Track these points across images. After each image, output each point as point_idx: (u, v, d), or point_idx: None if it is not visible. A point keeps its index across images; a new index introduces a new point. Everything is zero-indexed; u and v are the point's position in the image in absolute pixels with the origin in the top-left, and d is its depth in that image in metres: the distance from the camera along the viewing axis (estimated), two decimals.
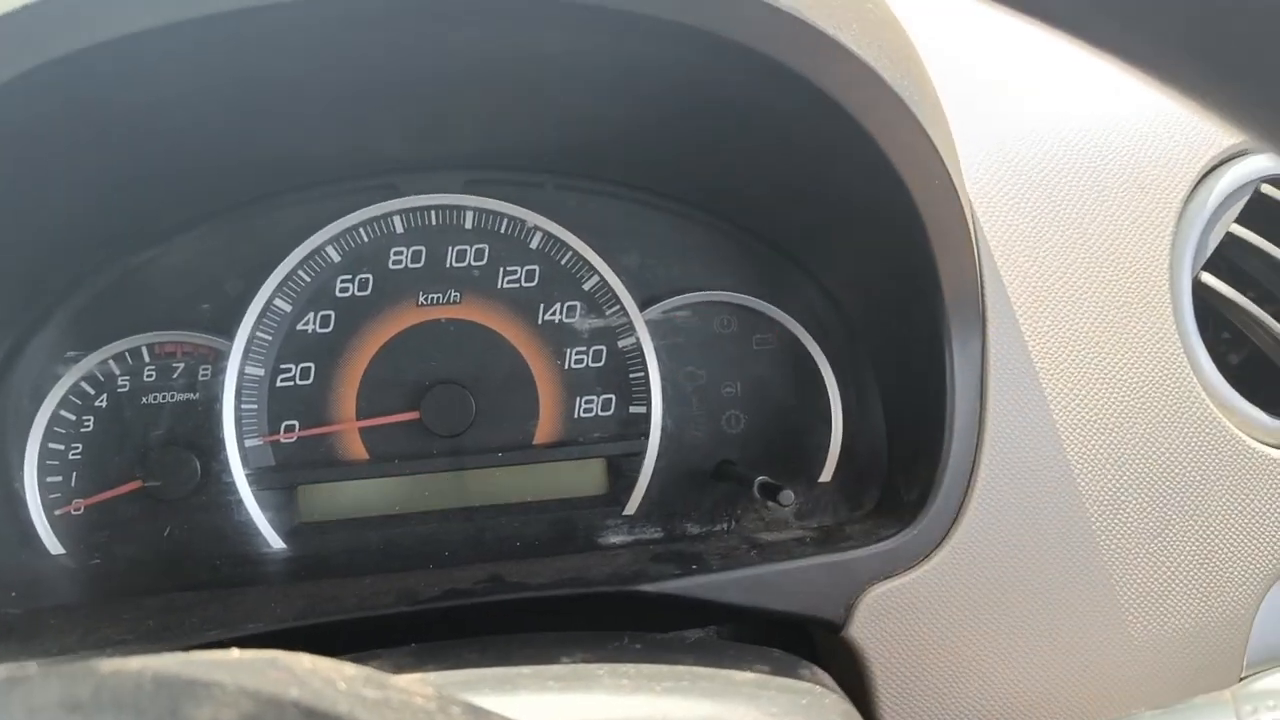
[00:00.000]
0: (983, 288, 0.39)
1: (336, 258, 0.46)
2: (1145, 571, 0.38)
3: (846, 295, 0.46)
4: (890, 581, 0.37)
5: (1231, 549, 0.39)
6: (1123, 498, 0.39)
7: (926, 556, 0.38)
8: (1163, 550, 0.38)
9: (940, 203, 0.37)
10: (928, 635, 0.37)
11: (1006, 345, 0.39)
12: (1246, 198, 0.43)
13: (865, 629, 0.37)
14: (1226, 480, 0.40)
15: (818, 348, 0.47)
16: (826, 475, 0.47)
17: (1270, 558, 0.39)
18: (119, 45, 0.29)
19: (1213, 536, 0.37)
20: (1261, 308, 0.44)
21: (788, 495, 0.41)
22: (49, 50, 0.29)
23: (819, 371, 0.47)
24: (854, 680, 0.37)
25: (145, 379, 0.45)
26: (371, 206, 0.46)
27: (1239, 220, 0.43)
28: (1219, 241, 0.43)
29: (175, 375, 0.45)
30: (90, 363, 0.44)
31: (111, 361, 0.44)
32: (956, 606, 0.38)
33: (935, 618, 0.37)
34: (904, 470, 0.42)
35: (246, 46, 0.34)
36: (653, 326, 0.47)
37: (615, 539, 0.44)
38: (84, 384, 0.44)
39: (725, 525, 0.44)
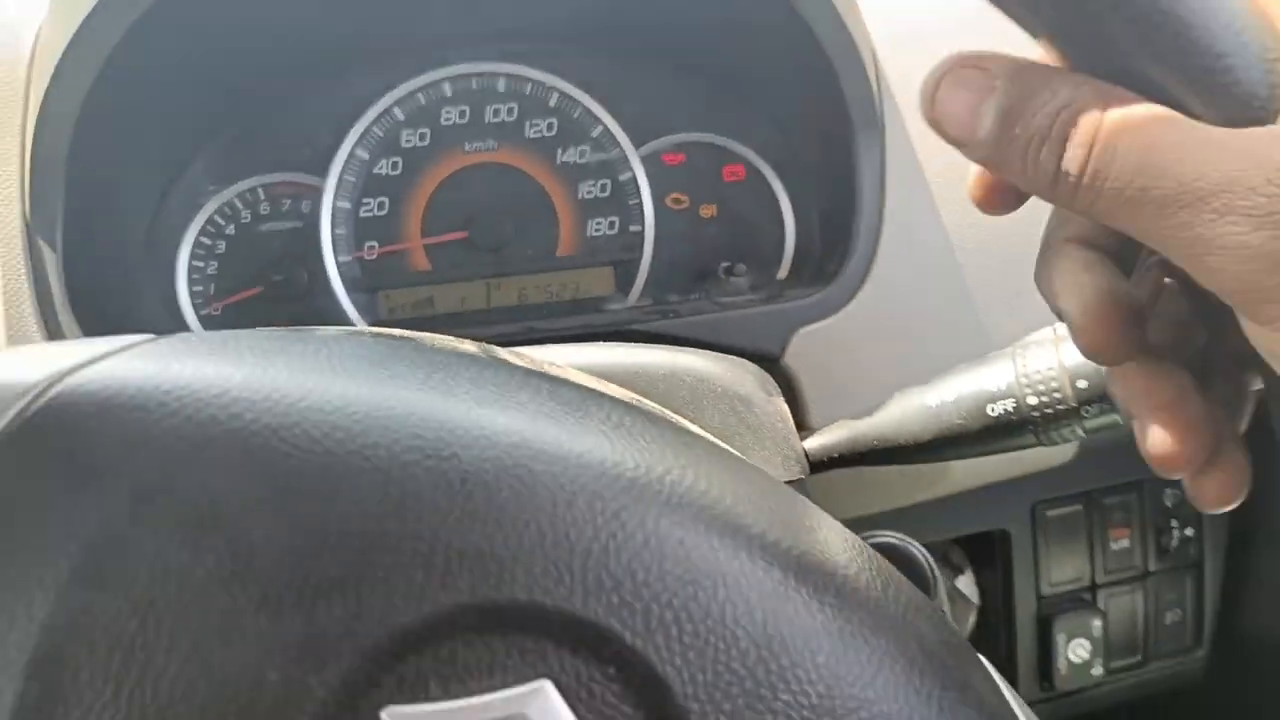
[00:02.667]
0: (882, 114, 0.52)
1: (401, 116, 0.60)
2: (1008, 317, 0.51)
3: (792, 129, 0.59)
4: (813, 325, 0.51)
5: None
6: (993, 272, 0.53)
7: (840, 308, 0.51)
8: (1020, 302, 0.52)
9: (847, 53, 0.51)
10: (842, 363, 0.51)
11: (900, 153, 0.52)
12: None
13: (795, 359, 0.51)
14: None
15: (773, 173, 0.61)
16: (783, 273, 0.61)
17: None
18: None
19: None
20: None
21: (740, 268, 0.56)
22: None
23: (774, 193, 0.61)
24: (790, 401, 0.52)
25: (261, 211, 0.59)
26: (426, 74, 0.59)
27: None
28: None
29: (284, 209, 0.59)
30: (222, 198, 0.58)
31: (236, 198, 0.59)
32: (863, 343, 0.51)
33: (848, 351, 0.51)
34: (828, 252, 0.56)
35: None
36: (645, 162, 0.61)
37: (620, 313, 0.59)
38: (216, 216, 0.59)
39: (697, 297, 0.58)
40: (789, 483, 0.41)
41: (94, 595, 0.20)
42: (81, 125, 0.45)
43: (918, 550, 0.47)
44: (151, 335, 0.24)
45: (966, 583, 0.66)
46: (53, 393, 0.22)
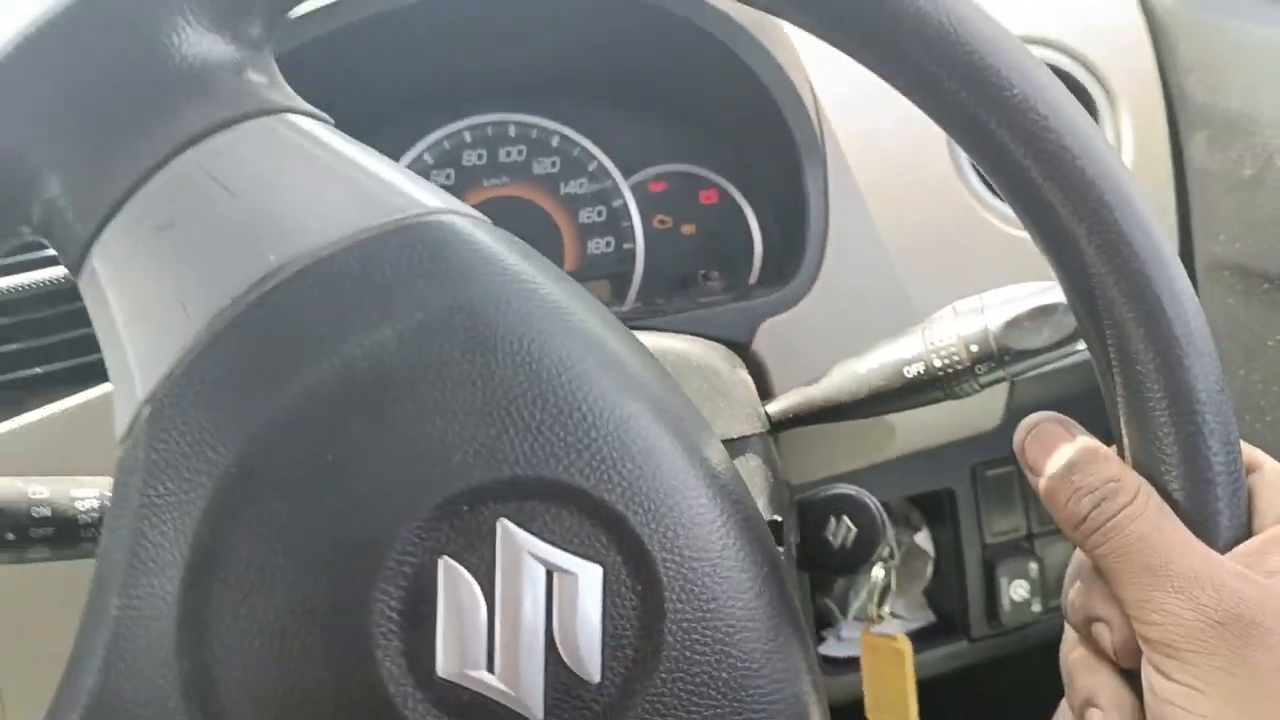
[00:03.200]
0: (823, 143, 0.64)
1: (430, 160, 0.71)
2: (932, 305, 0.62)
3: (753, 158, 0.71)
4: (775, 317, 0.62)
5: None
6: (921, 269, 0.64)
7: (797, 302, 0.62)
8: (940, 293, 0.63)
9: (788, 94, 0.62)
10: (800, 346, 0.61)
11: (840, 174, 0.64)
12: None
13: (762, 345, 0.61)
14: (987, 254, 0.65)
15: (741, 196, 0.72)
16: (754, 279, 0.72)
17: None
18: None
19: (982, 288, 0.52)
20: None
21: (715, 274, 0.67)
22: None
23: (743, 212, 0.73)
24: (759, 378, 0.63)
25: None
26: (449, 125, 0.71)
27: None
28: None
29: None
30: None
31: None
32: (817, 329, 0.62)
33: (805, 337, 0.61)
34: (786, 258, 0.67)
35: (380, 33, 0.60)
36: (634, 190, 0.72)
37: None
38: None
39: (681, 300, 0.70)
40: (754, 435, 0.53)
41: (389, 342, 0.30)
42: None
43: (868, 499, 0.58)
44: (485, 219, 0.34)
45: (923, 538, 0.77)
46: (438, 217, 0.32)
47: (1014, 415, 0.69)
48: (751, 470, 0.51)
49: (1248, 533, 0.33)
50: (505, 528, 0.30)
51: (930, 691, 0.73)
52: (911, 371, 0.50)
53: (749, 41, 0.61)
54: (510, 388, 0.30)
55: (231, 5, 0.33)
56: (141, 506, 0.29)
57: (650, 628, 0.31)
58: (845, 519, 0.59)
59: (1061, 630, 0.38)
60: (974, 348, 0.49)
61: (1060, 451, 0.34)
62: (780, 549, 0.43)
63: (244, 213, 0.31)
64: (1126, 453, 0.34)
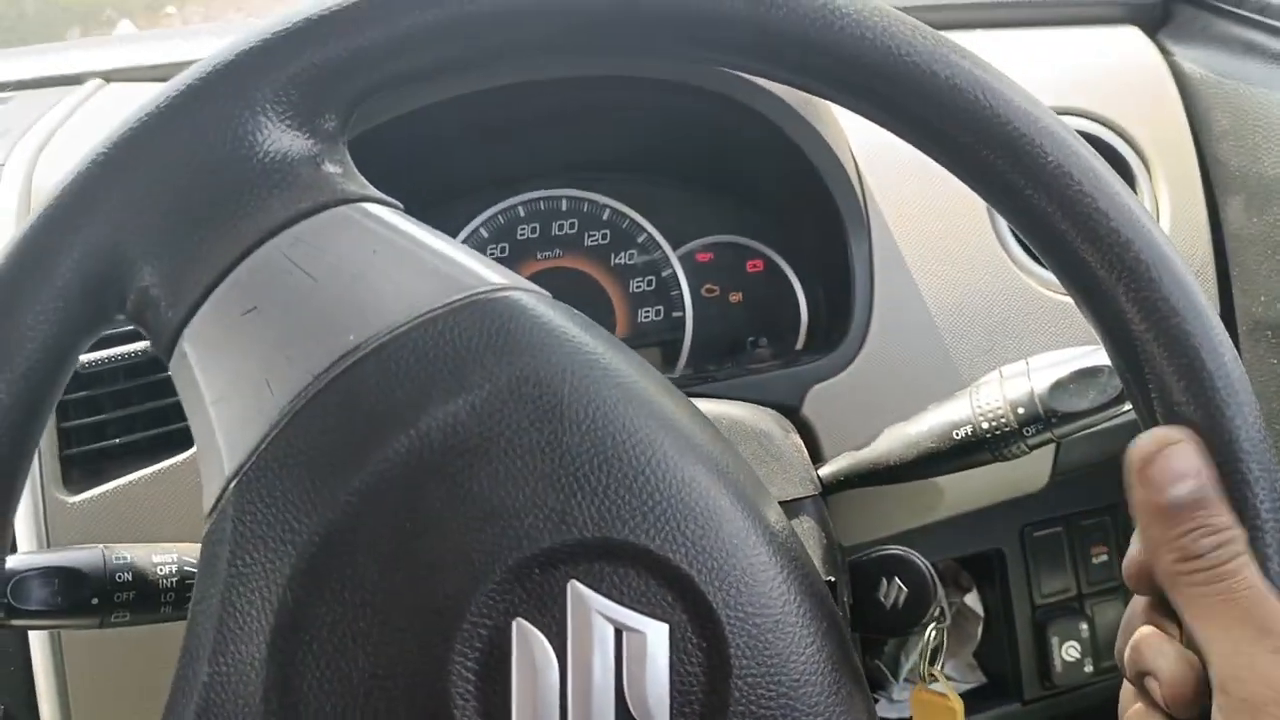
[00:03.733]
0: (868, 214, 0.66)
1: (486, 234, 0.74)
2: (978, 369, 0.64)
3: (798, 228, 0.73)
4: (824, 382, 0.64)
5: None
6: (965, 334, 0.66)
7: (844, 368, 0.64)
8: (986, 357, 0.64)
9: (833, 168, 0.65)
10: (848, 410, 0.63)
11: (884, 244, 0.66)
12: None
13: (811, 410, 0.63)
14: (1030, 318, 0.67)
15: (786, 265, 0.74)
16: (800, 344, 0.74)
17: None
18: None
19: (1026, 352, 0.54)
20: None
21: (763, 341, 0.69)
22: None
23: (789, 280, 0.75)
24: (809, 441, 0.64)
25: None
26: (504, 200, 0.74)
27: None
28: None
29: None
30: None
31: None
32: (865, 394, 0.63)
33: (853, 401, 0.63)
34: (833, 326, 0.69)
35: (443, 121, 0.63)
36: (682, 261, 0.75)
37: None
38: None
39: (730, 366, 0.72)
40: (807, 498, 0.54)
41: (463, 413, 0.32)
42: None
43: (919, 559, 0.59)
44: (547, 294, 0.36)
45: (973, 599, 0.78)
46: (506, 294, 0.34)
47: (1060, 477, 0.70)
48: (806, 532, 0.53)
49: None
50: (575, 589, 0.32)
51: None
52: (960, 434, 0.52)
53: (794, 117, 0.63)
54: (577, 454, 0.32)
55: (309, 104, 0.35)
56: (230, 577, 0.31)
57: (717, 684, 0.32)
58: (897, 580, 0.60)
59: (1115, 690, 0.39)
60: (1021, 410, 0.50)
61: (1189, 478, 0.32)
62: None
63: (324, 296, 0.33)
64: None
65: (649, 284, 0.75)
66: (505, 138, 0.71)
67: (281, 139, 0.34)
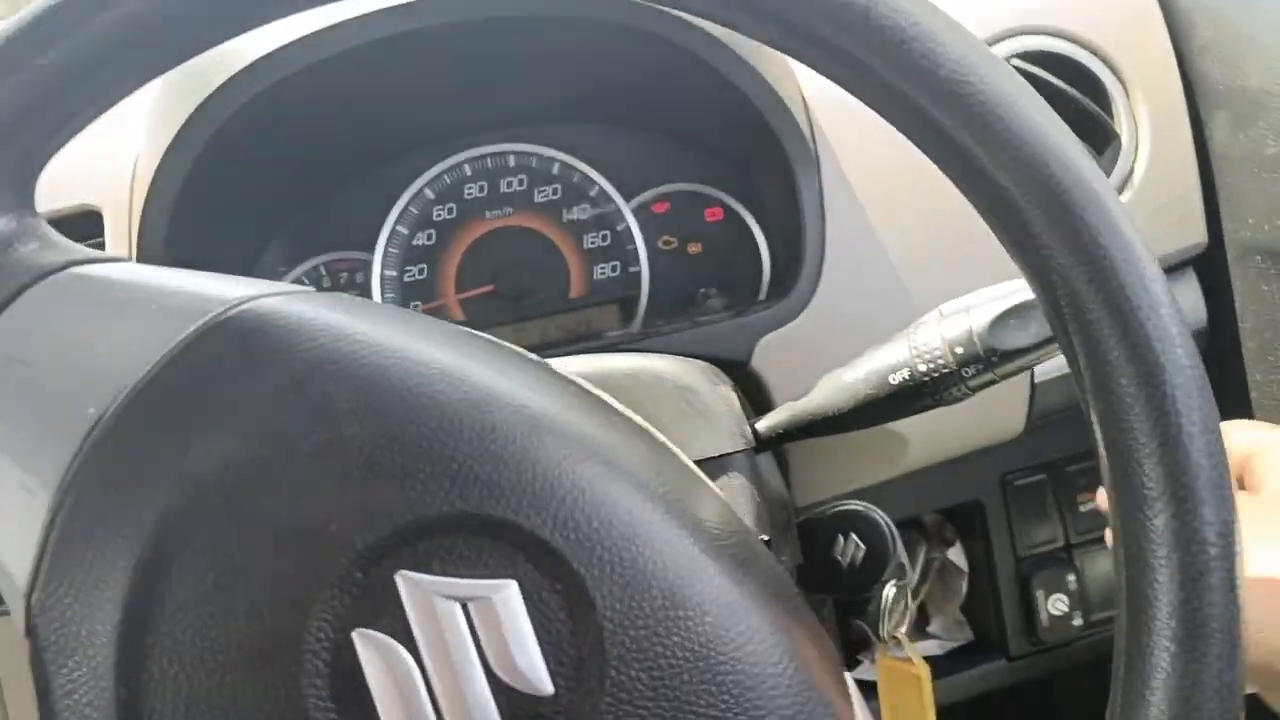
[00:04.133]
0: (817, 153, 0.62)
1: (431, 195, 0.72)
2: None
3: (752, 172, 0.70)
4: (774, 332, 0.61)
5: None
6: (925, 273, 0.62)
7: (795, 316, 0.61)
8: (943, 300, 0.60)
9: (778, 110, 0.61)
10: (799, 361, 0.60)
11: (835, 185, 0.62)
12: None
13: (761, 362, 0.60)
14: (989, 251, 0.63)
15: (746, 211, 0.71)
16: (763, 295, 0.71)
17: None
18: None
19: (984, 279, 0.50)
20: None
21: (713, 291, 0.66)
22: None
23: (749, 227, 0.71)
24: (759, 395, 0.61)
25: (324, 284, 0.71)
26: (449, 158, 0.72)
27: None
28: None
29: (343, 281, 0.72)
30: (292, 275, 0.71)
31: (303, 275, 0.71)
32: (817, 344, 0.60)
33: (804, 352, 0.60)
34: (786, 271, 0.66)
35: (375, 69, 0.61)
36: (636, 213, 0.72)
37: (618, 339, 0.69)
38: None
39: (681, 321, 0.68)
40: (738, 453, 0.51)
41: (231, 444, 0.30)
42: (172, 232, 0.58)
43: (877, 514, 0.56)
44: (306, 289, 0.34)
45: (956, 553, 0.74)
46: (242, 308, 0.31)
47: (1040, 421, 0.67)
48: (735, 488, 0.50)
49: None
50: (406, 578, 0.30)
51: (967, 713, 0.70)
52: (897, 379, 0.49)
53: (731, 58, 0.60)
54: (360, 443, 0.30)
55: None
56: (59, 694, 0.30)
57: (584, 619, 0.30)
58: (853, 536, 0.57)
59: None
60: (959, 350, 0.47)
61: None
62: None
63: (49, 379, 0.31)
64: (1104, 465, 0.32)
65: (604, 239, 0.72)
66: (445, 91, 0.68)
67: None
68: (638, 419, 0.39)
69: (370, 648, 0.29)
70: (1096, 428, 0.32)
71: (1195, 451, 0.30)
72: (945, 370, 0.47)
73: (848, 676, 0.36)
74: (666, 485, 0.33)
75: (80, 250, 0.34)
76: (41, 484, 0.30)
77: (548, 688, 0.30)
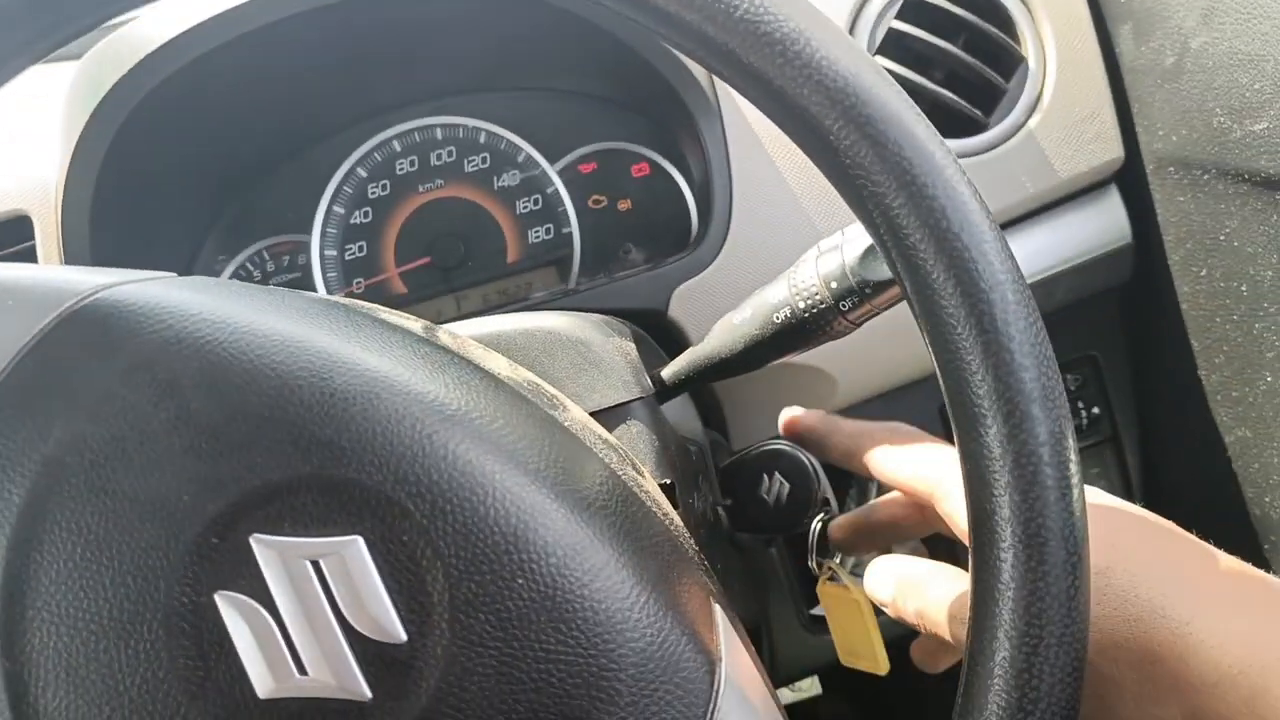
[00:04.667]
0: (718, 104, 0.63)
1: (364, 173, 0.74)
2: None
3: (668, 127, 0.71)
4: (688, 281, 0.62)
5: None
6: (832, 214, 0.63)
7: (707, 265, 0.62)
8: None
9: (677, 69, 0.62)
10: (716, 308, 0.62)
11: (740, 134, 0.63)
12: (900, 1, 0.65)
13: (678, 312, 0.62)
14: None
15: (670, 165, 0.72)
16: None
17: None
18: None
19: None
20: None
21: (630, 246, 0.68)
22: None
23: (675, 180, 0.72)
24: (679, 345, 0.63)
25: (267, 269, 0.74)
26: (377, 136, 0.73)
27: (899, 16, 0.65)
28: (883, 35, 0.65)
29: (285, 264, 0.74)
30: (236, 263, 0.73)
31: (246, 261, 0.74)
32: (731, 292, 0.62)
33: (719, 300, 0.62)
34: (701, 222, 0.67)
35: (288, 48, 0.62)
36: (563, 174, 0.73)
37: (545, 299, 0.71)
38: (232, 279, 0.74)
39: (602, 277, 0.70)
40: (635, 401, 0.53)
41: (87, 426, 0.32)
42: (96, 234, 0.60)
43: (799, 451, 0.58)
44: (168, 274, 0.36)
45: None
46: (95, 297, 0.33)
47: None
48: (634, 435, 0.51)
49: None
50: (259, 540, 0.32)
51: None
52: (779, 317, 0.50)
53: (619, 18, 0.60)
54: (206, 417, 0.32)
55: None
56: None
57: (430, 568, 0.31)
58: (777, 475, 0.58)
59: None
60: (834, 285, 0.48)
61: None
62: (676, 511, 0.43)
63: None
64: (943, 390, 0.33)
65: (535, 203, 0.74)
66: (367, 69, 0.70)
67: None
68: (508, 373, 0.40)
69: (232, 608, 0.31)
70: (931, 353, 0.33)
71: (1019, 366, 0.31)
72: (823, 305, 0.48)
73: (718, 610, 0.37)
74: (511, 435, 0.34)
75: None
76: None
77: (400, 635, 0.31)
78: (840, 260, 0.48)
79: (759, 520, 0.59)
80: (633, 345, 0.54)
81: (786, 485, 0.59)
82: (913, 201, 0.32)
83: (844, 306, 0.48)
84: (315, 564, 0.32)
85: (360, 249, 0.74)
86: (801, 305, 0.49)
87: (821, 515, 0.61)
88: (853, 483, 0.72)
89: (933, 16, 0.65)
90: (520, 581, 0.32)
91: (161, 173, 0.64)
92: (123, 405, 0.32)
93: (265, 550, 0.32)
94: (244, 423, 0.32)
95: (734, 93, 0.62)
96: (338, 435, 0.32)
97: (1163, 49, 0.61)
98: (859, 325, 0.50)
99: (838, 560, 0.61)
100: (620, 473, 0.38)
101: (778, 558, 0.71)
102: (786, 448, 0.58)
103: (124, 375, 0.32)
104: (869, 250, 0.47)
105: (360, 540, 0.32)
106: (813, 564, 0.60)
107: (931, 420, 0.72)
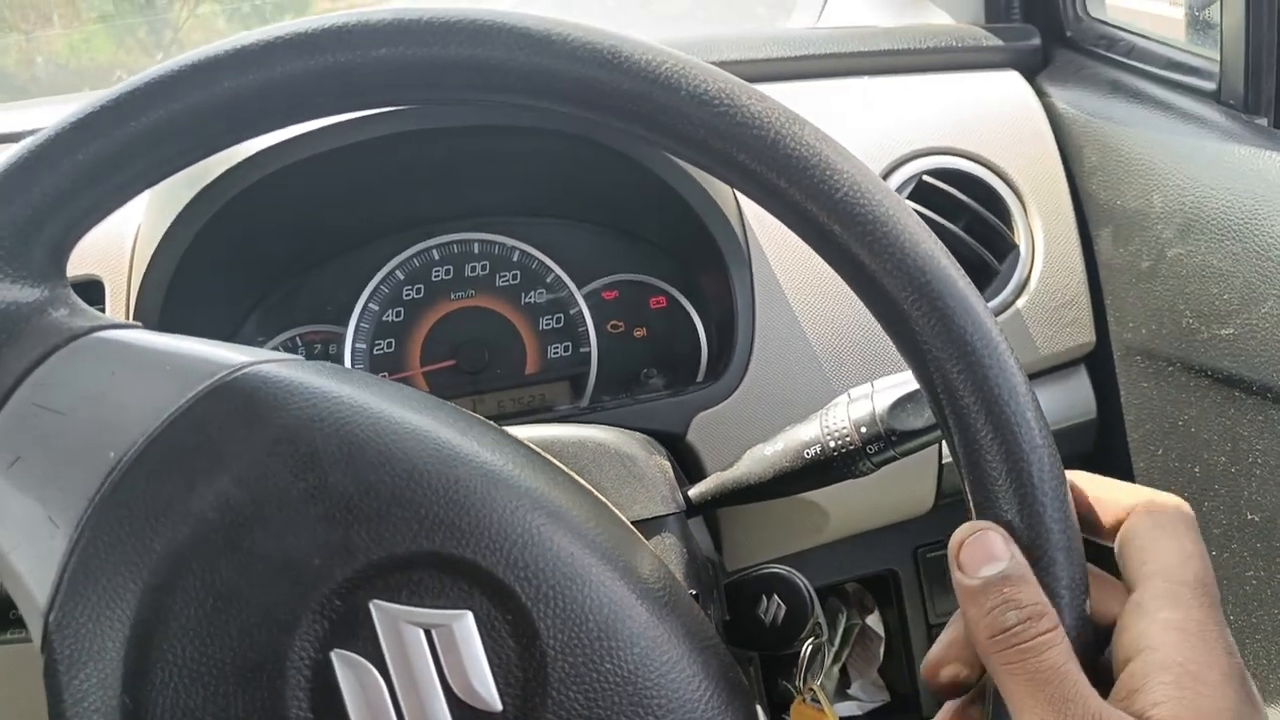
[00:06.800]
0: (749, 253, 0.70)
1: (401, 276, 0.78)
2: None
3: (693, 267, 0.77)
4: (709, 410, 0.68)
5: None
6: (843, 362, 0.70)
7: (727, 396, 0.68)
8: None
9: (715, 214, 0.69)
10: (731, 437, 0.67)
11: (766, 282, 0.69)
12: (913, 186, 0.74)
13: (696, 436, 0.67)
14: None
15: (687, 300, 0.78)
16: (700, 377, 0.78)
17: None
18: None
19: (890, 369, 0.55)
20: None
21: (653, 371, 0.73)
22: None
23: (690, 315, 0.79)
24: (694, 467, 0.68)
25: (300, 354, 0.78)
26: (419, 244, 0.78)
27: (910, 199, 0.74)
28: None
29: (316, 352, 0.78)
30: (271, 344, 0.76)
31: (282, 343, 0.77)
32: (747, 422, 0.67)
33: (735, 428, 0.67)
34: (721, 356, 0.73)
35: (357, 165, 0.68)
36: (588, 299, 0.79)
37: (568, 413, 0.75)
38: None
39: (625, 397, 0.75)
40: (669, 515, 0.57)
41: (231, 488, 0.34)
42: (166, 302, 0.64)
43: (797, 577, 0.62)
44: (296, 356, 0.39)
45: (875, 620, 0.81)
46: (244, 371, 0.36)
47: (948, 499, 0.74)
48: (667, 547, 0.56)
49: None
50: (378, 607, 0.35)
51: None
52: (810, 453, 0.55)
53: (674, 167, 0.67)
54: (344, 490, 0.35)
55: (14, 262, 0.37)
56: (71, 700, 0.34)
57: (530, 646, 0.35)
58: (776, 597, 0.63)
59: None
60: (864, 430, 0.54)
61: (998, 561, 0.35)
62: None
63: (76, 426, 0.36)
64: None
65: (558, 321, 0.79)
66: (418, 186, 0.76)
67: (3, 297, 0.37)
68: (581, 480, 0.45)
69: (346, 666, 0.35)
70: (969, 495, 0.39)
71: (1051, 520, 0.37)
72: (851, 447, 0.54)
73: (759, 709, 0.42)
74: (604, 535, 0.39)
75: (103, 317, 0.39)
76: (64, 516, 0.35)
77: (497, 705, 0.35)
78: (871, 408, 0.54)
79: (755, 638, 0.63)
80: (669, 464, 0.59)
81: (783, 607, 0.63)
82: (970, 369, 0.38)
83: (870, 450, 0.54)
84: (427, 632, 0.35)
85: (389, 345, 0.78)
86: (832, 445, 0.54)
87: (813, 639, 0.66)
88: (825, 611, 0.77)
89: (941, 199, 0.73)
90: (609, 665, 0.35)
91: (228, 257, 0.68)
92: (266, 472, 0.35)
93: (383, 616, 0.35)
94: (375, 499, 0.35)
95: (764, 249, 0.69)
96: (458, 519, 0.35)
97: (1140, 253, 0.69)
98: (878, 469, 0.55)
99: (818, 684, 0.66)
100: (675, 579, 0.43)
101: (754, 675, 0.75)
102: (785, 573, 0.63)
103: (269, 445, 0.35)
104: (898, 403, 0.53)
105: (470, 615, 0.35)
106: (798, 683, 0.64)
107: (906, 560, 0.78)
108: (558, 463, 0.44)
